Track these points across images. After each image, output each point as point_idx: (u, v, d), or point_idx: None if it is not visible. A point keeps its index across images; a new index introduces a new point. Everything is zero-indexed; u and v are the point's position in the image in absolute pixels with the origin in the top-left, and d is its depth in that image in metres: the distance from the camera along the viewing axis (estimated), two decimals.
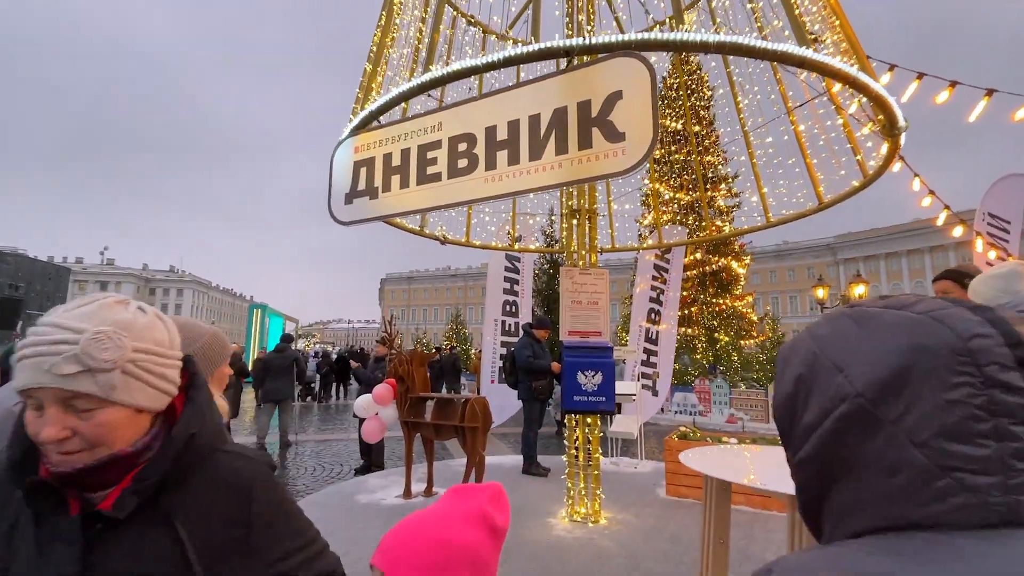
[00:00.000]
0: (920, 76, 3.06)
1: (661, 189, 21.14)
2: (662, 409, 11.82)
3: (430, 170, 2.80)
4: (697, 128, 19.41)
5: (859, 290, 9.74)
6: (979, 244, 4.89)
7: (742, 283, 22.37)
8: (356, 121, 3.25)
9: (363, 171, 3.04)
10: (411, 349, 5.50)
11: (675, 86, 20.95)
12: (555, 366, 6.31)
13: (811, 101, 4.66)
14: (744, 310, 22.20)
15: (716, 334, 20.56)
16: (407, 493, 5.16)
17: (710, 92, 20.05)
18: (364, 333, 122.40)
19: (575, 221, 4.77)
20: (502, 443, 8.97)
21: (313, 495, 5.39)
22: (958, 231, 4.92)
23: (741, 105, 5.72)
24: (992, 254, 5.01)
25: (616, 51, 2.44)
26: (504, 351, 7.74)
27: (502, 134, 2.59)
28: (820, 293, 10.63)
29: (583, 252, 4.73)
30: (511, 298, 7.99)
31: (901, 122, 3.15)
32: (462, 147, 2.71)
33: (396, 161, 2.94)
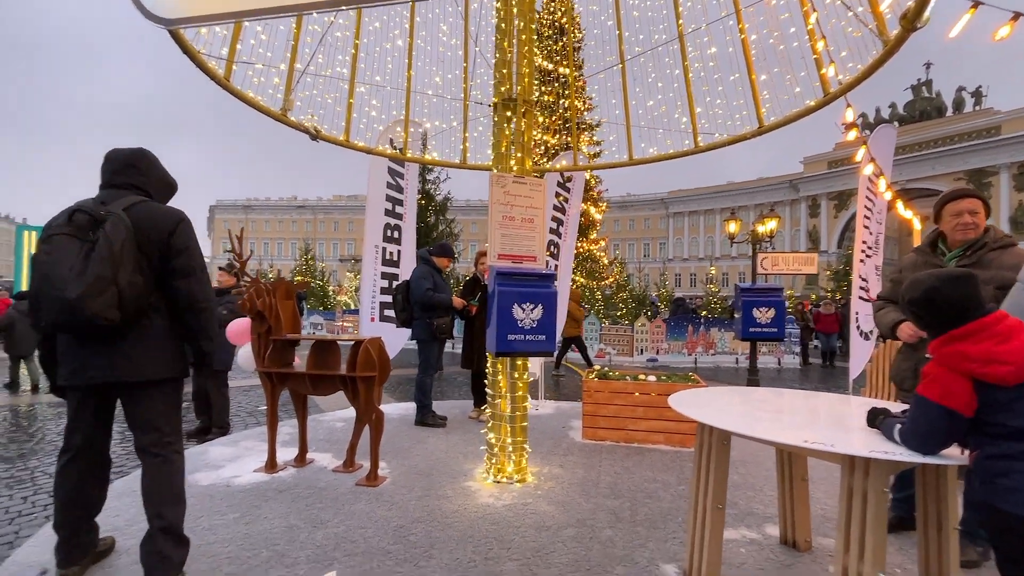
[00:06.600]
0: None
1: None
2: None
3: None
4: (565, 70, 18.93)
5: (771, 224, 10.36)
6: (882, 184, 5.06)
7: (598, 228, 23.83)
8: None
9: None
10: (273, 279, 4.06)
11: (549, 23, 20.34)
12: (457, 301, 5.36)
13: None
14: (598, 254, 23.98)
15: (574, 275, 21.84)
16: (271, 465, 3.88)
17: (582, 33, 19.55)
18: None
19: (509, 113, 3.71)
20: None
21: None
22: (868, 168, 5.00)
23: (681, 8, 5.04)
24: (888, 194, 5.27)
25: None
26: (385, 283, 6.50)
27: None
28: (732, 227, 11.57)
29: (518, 155, 3.72)
30: (393, 221, 6.66)
31: (928, 12, 2.68)
32: None
33: None
